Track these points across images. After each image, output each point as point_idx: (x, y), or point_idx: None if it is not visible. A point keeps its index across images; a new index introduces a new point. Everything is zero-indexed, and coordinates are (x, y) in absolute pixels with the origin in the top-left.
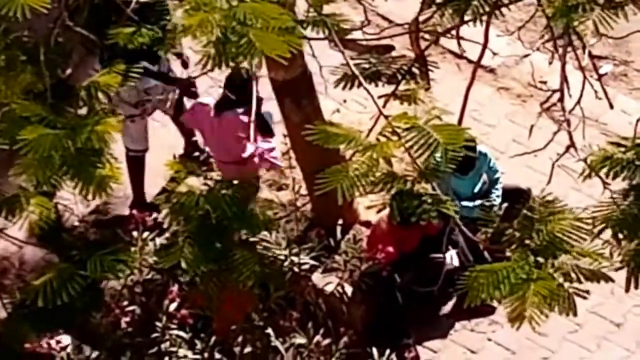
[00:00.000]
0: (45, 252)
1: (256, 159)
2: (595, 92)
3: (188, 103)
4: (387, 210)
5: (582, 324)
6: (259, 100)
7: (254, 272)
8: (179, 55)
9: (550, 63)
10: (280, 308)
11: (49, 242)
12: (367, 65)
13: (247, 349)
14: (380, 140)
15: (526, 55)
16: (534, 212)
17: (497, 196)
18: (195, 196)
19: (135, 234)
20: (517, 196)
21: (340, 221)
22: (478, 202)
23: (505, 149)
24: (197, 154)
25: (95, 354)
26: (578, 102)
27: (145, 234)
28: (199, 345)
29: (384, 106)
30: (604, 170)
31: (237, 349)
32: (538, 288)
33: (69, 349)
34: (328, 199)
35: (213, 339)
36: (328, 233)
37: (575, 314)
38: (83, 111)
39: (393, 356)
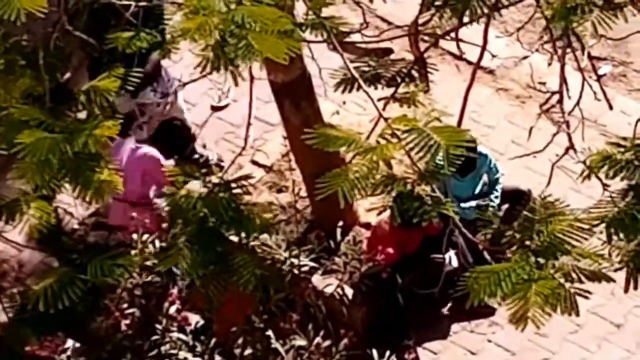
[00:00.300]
0: (43, 255)
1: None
2: (595, 93)
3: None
4: (387, 212)
5: (582, 324)
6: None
7: (254, 274)
8: None
9: (550, 64)
10: (280, 310)
11: (48, 245)
12: (366, 68)
13: (248, 351)
14: (380, 142)
15: (525, 57)
16: (534, 213)
17: (496, 197)
18: (194, 199)
19: (135, 236)
20: (517, 197)
21: (340, 223)
22: (477, 202)
23: (505, 150)
24: (196, 156)
25: (95, 356)
26: (577, 103)
27: (145, 237)
28: (199, 348)
29: (383, 108)
30: (603, 170)
31: (237, 351)
32: (540, 288)
33: (69, 352)
34: (328, 201)
35: (213, 341)
36: (328, 235)
37: (577, 314)
38: (82, 115)
39: (393, 358)
